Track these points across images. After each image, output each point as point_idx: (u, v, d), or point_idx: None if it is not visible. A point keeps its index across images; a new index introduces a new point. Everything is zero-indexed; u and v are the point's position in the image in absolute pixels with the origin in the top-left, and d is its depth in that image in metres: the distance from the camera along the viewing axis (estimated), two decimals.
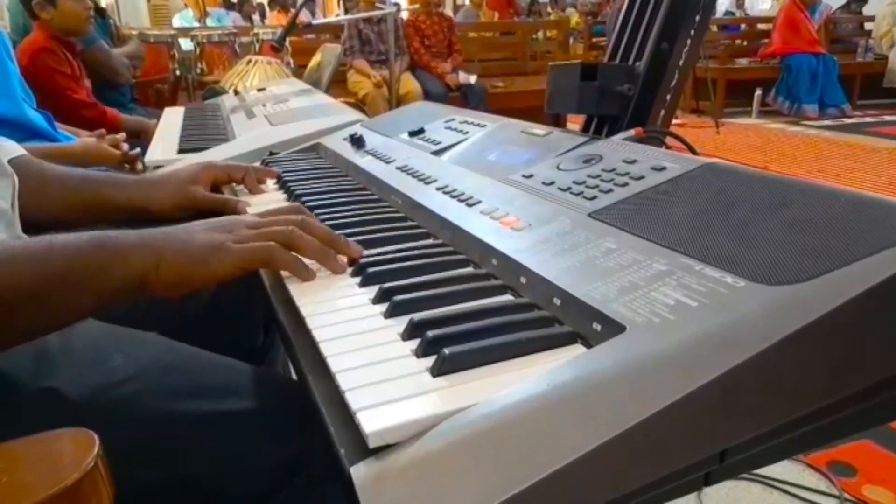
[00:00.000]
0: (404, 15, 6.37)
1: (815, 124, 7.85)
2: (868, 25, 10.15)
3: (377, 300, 0.77)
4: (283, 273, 0.85)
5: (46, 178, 1.19)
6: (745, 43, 9.80)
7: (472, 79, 6.26)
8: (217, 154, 1.80)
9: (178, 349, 0.89)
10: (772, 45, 8.64)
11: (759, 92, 8.36)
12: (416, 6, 6.51)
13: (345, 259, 0.86)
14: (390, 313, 0.73)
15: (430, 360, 0.62)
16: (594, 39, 9.86)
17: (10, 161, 1.12)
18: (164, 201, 1.21)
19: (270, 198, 1.31)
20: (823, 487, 1.85)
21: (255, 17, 11.42)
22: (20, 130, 2.12)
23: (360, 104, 5.34)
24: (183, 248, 0.78)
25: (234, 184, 1.36)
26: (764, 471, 1.87)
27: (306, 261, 0.84)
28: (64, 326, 0.77)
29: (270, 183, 1.39)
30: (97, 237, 0.77)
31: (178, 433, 0.79)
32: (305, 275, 0.83)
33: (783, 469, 1.90)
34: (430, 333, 0.65)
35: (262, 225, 0.85)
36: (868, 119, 8.20)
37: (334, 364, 0.63)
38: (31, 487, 0.52)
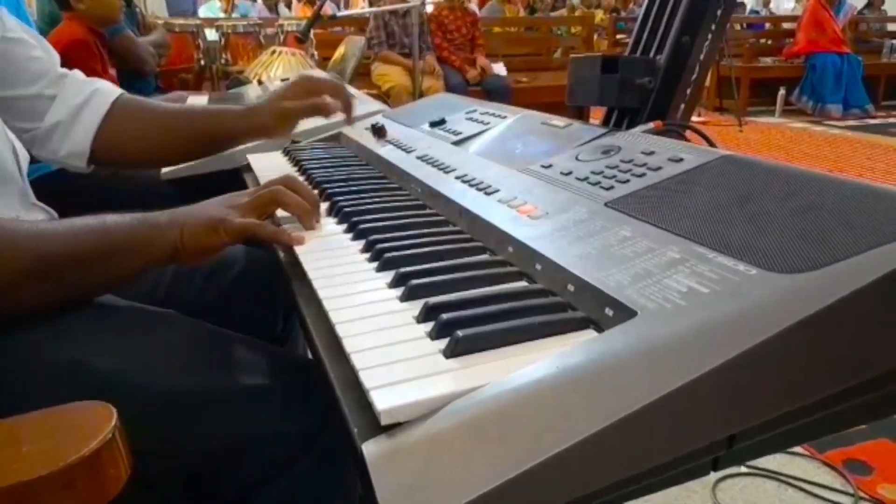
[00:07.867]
0: (429, 9, 6.34)
1: (839, 124, 7.79)
2: (891, 26, 10.05)
3: (393, 284, 0.78)
4: (302, 259, 0.88)
5: (156, 116, 1.35)
6: (769, 42, 9.73)
7: (503, 69, 6.20)
8: None
9: (198, 326, 0.93)
10: (796, 44, 8.58)
11: (782, 91, 8.30)
12: (441, 0, 6.50)
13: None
14: (406, 297, 0.74)
15: (443, 343, 0.63)
16: (618, 36, 9.80)
17: (114, 102, 1.29)
18: (266, 122, 1.34)
19: None
20: (838, 485, 1.84)
21: (282, 5, 11.39)
22: None
23: (383, 97, 5.34)
24: (198, 222, 0.91)
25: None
26: (779, 467, 1.87)
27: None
28: (119, 287, 0.93)
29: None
30: (140, 217, 0.90)
31: (196, 405, 0.82)
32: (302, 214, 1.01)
33: (798, 466, 1.89)
34: (444, 316, 0.66)
35: (255, 194, 0.99)
36: (892, 120, 8.11)
37: (349, 345, 0.64)
38: (52, 456, 0.54)
